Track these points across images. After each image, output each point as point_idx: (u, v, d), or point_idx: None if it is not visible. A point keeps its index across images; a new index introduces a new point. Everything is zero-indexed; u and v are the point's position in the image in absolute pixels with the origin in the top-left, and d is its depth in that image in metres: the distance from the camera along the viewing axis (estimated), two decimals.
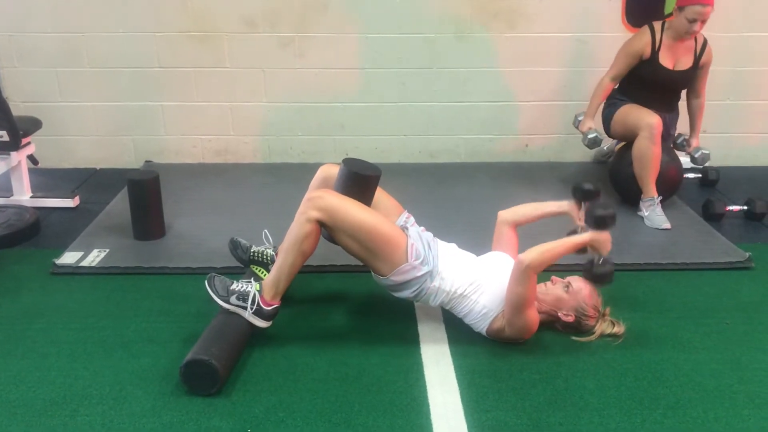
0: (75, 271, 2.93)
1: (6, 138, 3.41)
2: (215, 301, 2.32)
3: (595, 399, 2.14)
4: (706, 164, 3.83)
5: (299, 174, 4.15)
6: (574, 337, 2.44)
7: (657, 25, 3.55)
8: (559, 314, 2.42)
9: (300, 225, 2.30)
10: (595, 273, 2.33)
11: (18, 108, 4.05)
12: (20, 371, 2.25)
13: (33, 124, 3.67)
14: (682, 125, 3.85)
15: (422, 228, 2.59)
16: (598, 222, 2.37)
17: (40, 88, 4.14)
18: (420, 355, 2.37)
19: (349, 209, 2.32)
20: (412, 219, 2.62)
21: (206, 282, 2.35)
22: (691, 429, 2.02)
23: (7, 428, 1.98)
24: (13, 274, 2.92)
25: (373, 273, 2.45)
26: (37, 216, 3.38)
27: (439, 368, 2.29)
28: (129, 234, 3.23)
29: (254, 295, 2.32)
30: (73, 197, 3.67)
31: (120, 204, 3.61)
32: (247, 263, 2.77)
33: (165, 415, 2.04)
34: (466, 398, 2.14)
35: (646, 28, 3.57)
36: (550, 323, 2.47)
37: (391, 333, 2.49)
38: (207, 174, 4.17)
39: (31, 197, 3.65)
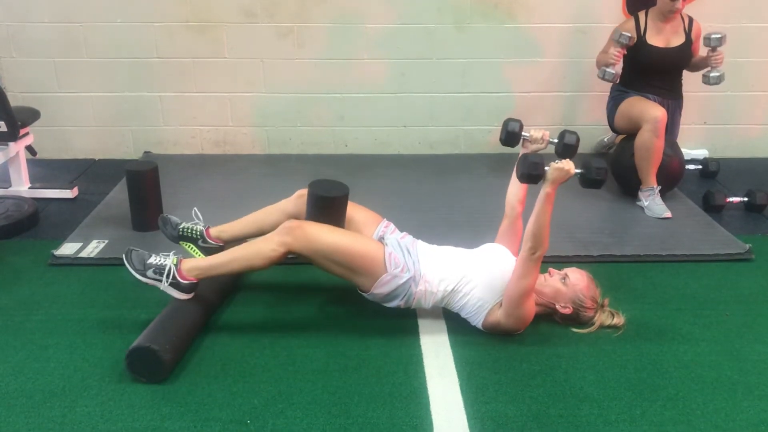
0: (73, 262, 2.93)
1: (4, 129, 3.40)
2: (132, 275, 2.33)
3: (595, 390, 2.14)
4: (722, 83, 3.63)
5: (298, 165, 4.17)
6: (573, 329, 2.44)
7: (641, 13, 3.65)
8: (557, 306, 2.42)
9: (270, 249, 2.30)
10: (592, 179, 2.25)
11: (16, 98, 4.03)
12: (19, 362, 2.25)
13: (31, 115, 3.66)
14: (688, 115, 3.82)
15: (403, 234, 2.58)
16: (566, 149, 2.40)
17: (38, 79, 4.12)
18: (419, 346, 2.36)
19: (323, 236, 2.33)
20: (391, 227, 2.62)
21: (124, 256, 2.36)
22: (691, 420, 2.02)
23: (6, 419, 1.98)
24: (12, 265, 2.92)
25: (359, 290, 2.45)
26: (36, 207, 3.37)
27: (438, 359, 2.29)
28: (128, 225, 3.23)
29: (170, 268, 2.33)
30: (71, 188, 3.66)
31: (118, 195, 3.60)
32: (176, 239, 2.77)
33: (164, 407, 2.04)
34: (465, 389, 2.14)
35: (630, 17, 3.68)
36: (549, 315, 2.47)
37: (390, 324, 2.49)
38: (206, 165, 4.16)
39: (30, 188, 3.65)
